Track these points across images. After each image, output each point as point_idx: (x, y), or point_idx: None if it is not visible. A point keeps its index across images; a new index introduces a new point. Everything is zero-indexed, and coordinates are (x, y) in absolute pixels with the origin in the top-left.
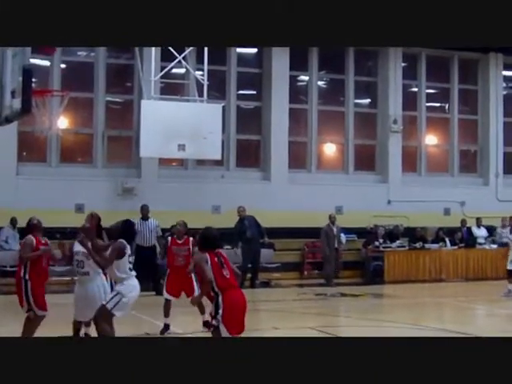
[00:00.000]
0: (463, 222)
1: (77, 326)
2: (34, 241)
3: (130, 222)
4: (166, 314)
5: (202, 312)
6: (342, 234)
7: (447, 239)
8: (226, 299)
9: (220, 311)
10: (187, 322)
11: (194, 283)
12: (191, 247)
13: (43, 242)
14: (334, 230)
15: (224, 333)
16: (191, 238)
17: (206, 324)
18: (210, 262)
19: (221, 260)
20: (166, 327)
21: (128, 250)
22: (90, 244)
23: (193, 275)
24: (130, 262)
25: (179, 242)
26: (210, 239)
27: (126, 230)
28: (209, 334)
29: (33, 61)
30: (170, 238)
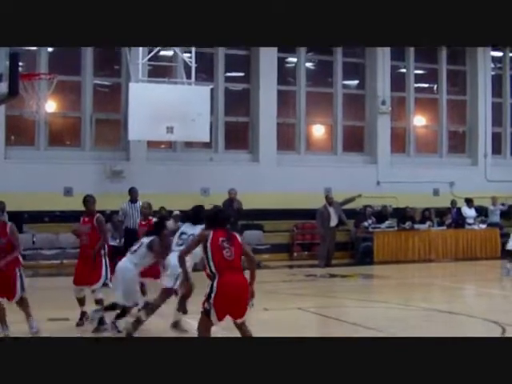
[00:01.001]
0: (453, 202)
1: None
2: None
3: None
4: (143, 293)
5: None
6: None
7: (434, 219)
8: (220, 283)
9: (213, 295)
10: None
11: (160, 265)
12: None
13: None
14: (330, 210)
15: (213, 317)
16: (154, 219)
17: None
18: (210, 240)
19: (226, 241)
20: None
21: None
22: None
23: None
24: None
25: (143, 223)
26: (211, 216)
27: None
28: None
29: None
30: (138, 220)
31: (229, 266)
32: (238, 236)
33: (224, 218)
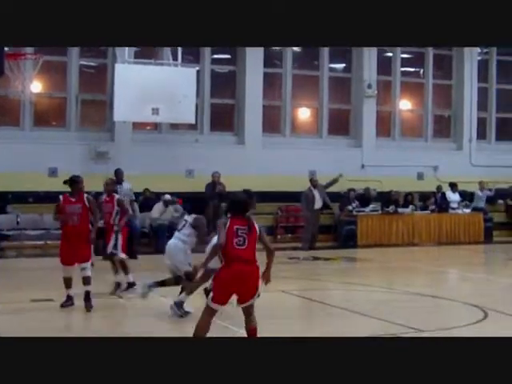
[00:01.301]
0: (439, 187)
1: None
2: None
3: None
4: (126, 272)
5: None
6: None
7: (418, 204)
8: (223, 271)
9: (216, 278)
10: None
11: (111, 240)
12: (115, 205)
13: None
14: (315, 193)
15: (210, 298)
16: (116, 196)
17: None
18: (227, 227)
19: (242, 229)
20: (131, 285)
21: None
22: None
23: (115, 234)
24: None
25: (107, 199)
26: (229, 203)
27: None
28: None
29: None
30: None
31: (237, 254)
32: (256, 226)
33: (242, 207)
